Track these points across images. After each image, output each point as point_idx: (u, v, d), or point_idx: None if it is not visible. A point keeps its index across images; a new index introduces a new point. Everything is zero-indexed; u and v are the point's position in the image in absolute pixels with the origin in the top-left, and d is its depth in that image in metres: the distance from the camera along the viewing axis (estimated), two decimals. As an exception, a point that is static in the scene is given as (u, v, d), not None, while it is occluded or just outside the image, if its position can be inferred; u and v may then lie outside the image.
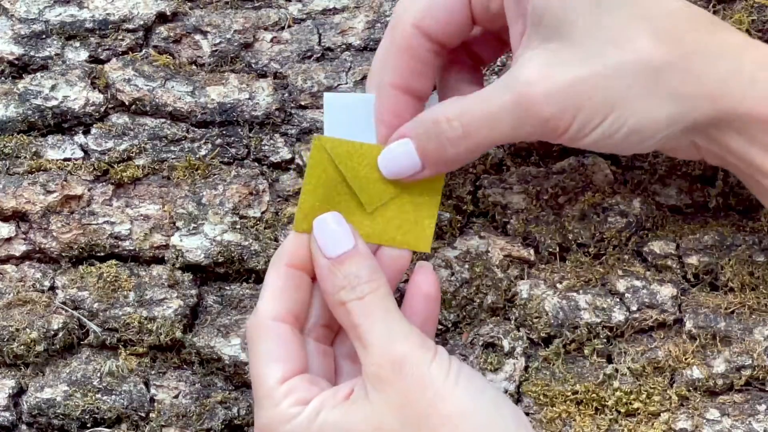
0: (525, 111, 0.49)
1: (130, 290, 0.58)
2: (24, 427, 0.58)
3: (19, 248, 0.59)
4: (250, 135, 0.61)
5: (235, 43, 0.62)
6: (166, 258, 0.59)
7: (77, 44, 0.62)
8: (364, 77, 0.60)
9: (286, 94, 0.61)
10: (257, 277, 0.59)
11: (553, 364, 0.57)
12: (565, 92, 0.49)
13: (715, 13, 0.60)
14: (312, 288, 0.53)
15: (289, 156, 0.61)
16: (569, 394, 0.57)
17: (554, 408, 0.57)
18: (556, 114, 0.49)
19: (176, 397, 0.58)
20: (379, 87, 0.54)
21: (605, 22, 0.49)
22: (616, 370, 0.57)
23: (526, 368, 0.58)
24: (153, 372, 0.58)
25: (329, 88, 0.61)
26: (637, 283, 0.58)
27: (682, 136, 0.51)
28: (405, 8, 0.53)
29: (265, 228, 0.59)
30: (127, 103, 0.61)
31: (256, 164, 0.61)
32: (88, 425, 0.58)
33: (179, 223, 0.59)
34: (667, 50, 0.49)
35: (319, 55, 0.62)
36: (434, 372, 0.48)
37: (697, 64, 0.49)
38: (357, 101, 0.55)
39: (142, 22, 0.62)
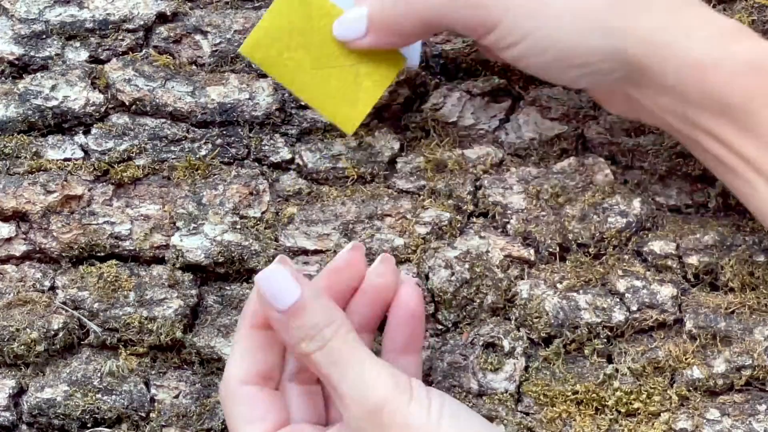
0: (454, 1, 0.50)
1: (130, 290, 0.58)
2: (24, 427, 0.58)
3: (19, 248, 0.59)
4: (250, 135, 0.61)
5: (236, 43, 0.62)
6: (166, 258, 0.59)
7: (77, 44, 0.62)
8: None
9: (286, 94, 0.61)
10: (257, 277, 0.59)
11: (554, 364, 0.57)
12: None
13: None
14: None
15: (289, 156, 0.61)
16: (569, 394, 0.57)
17: (554, 408, 0.57)
18: (484, 4, 0.49)
19: (176, 397, 0.58)
20: None
21: None
22: (617, 370, 0.57)
23: (527, 368, 0.58)
24: (153, 372, 0.58)
25: None
26: (637, 283, 0.58)
27: (614, 80, 0.50)
28: None
29: (265, 228, 0.59)
30: (127, 103, 0.61)
31: (256, 164, 0.61)
32: (89, 425, 0.58)
33: (179, 223, 0.59)
34: None
35: (319, 55, 0.62)
36: (414, 413, 0.46)
37: (639, 7, 0.48)
38: None
39: (142, 22, 0.62)
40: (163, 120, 0.61)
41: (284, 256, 0.51)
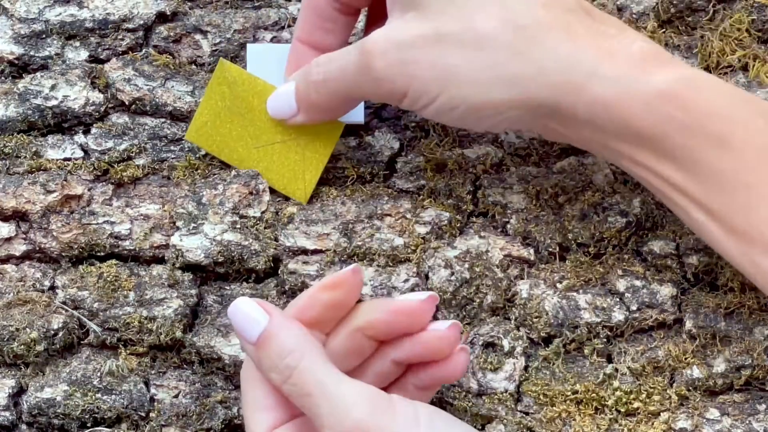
0: (365, 70, 0.51)
1: (130, 290, 0.58)
2: (24, 426, 0.58)
3: (19, 248, 0.59)
4: (250, 135, 0.61)
5: (235, 43, 0.62)
6: (166, 258, 0.59)
7: (77, 44, 0.62)
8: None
9: (286, 94, 0.61)
10: (257, 276, 0.59)
11: (553, 364, 0.57)
12: (397, 55, 0.50)
13: (714, 13, 0.60)
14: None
15: (289, 156, 0.61)
16: (569, 393, 0.57)
17: (554, 408, 0.57)
18: (389, 77, 0.50)
19: (176, 396, 0.58)
20: (292, 41, 0.58)
21: (460, 0, 0.49)
22: (616, 370, 0.57)
23: (526, 368, 0.58)
24: (153, 372, 0.58)
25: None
26: (637, 282, 0.58)
27: (531, 120, 0.51)
28: None
29: (265, 228, 0.59)
30: (127, 103, 0.61)
31: (256, 164, 0.61)
32: (88, 425, 0.58)
33: (179, 223, 0.59)
34: (510, 31, 0.48)
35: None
36: (401, 429, 0.45)
37: (538, 54, 0.48)
38: (277, 51, 0.59)
39: (142, 22, 0.62)
40: (162, 119, 0.61)
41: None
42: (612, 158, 0.52)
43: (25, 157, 0.60)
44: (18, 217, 0.59)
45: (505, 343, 0.57)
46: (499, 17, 0.49)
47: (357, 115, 0.59)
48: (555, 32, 0.49)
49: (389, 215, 0.59)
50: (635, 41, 0.49)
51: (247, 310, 0.49)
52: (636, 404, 0.56)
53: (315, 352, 0.48)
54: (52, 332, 0.57)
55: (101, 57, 0.62)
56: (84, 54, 0.62)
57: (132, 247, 0.59)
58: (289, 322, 0.49)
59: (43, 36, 0.62)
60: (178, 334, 0.58)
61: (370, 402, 0.46)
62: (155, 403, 0.58)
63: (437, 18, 0.49)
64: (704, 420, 0.56)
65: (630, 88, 0.48)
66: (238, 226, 0.58)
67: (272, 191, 0.60)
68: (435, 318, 0.58)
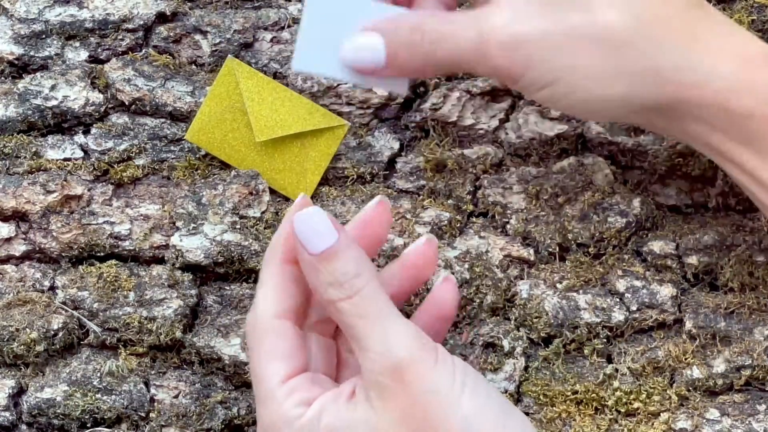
0: (482, 55, 0.50)
1: (130, 290, 0.58)
2: (24, 427, 0.58)
3: (19, 248, 0.59)
4: (250, 135, 0.61)
5: (235, 43, 0.62)
6: (166, 258, 0.59)
7: (77, 44, 0.62)
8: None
9: (286, 94, 0.61)
10: (257, 277, 0.59)
11: (553, 364, 0.57)
12: (517, 46, 0.50)
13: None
14: None
15: (289, 156, 0.61)
16: (569, 394, 0.57)
17: (554, 408, 0.57)
18: (505, 65, 0.50)
19: (176, 397, 0.58)
20: None
21: None
22: (616, 370, 0.57)
23: (526, 368, 0.58)
24: (153, 372, 0.58)
25: (329, 88, 0.61)
26: (637, 283, 0.58)
27: (638, 115, 0.51)
28: None
29: (265, 228, 0.59)
30: (126, 103, 0.61)
31: (256, 164, 0.61)
32: (88, 425, 0.58)
33: (179, 223, 0.59)
34: (630, 26, 0.49)
35: (319, 55, 0.62)
36: (438, 378, 0.46)
37: (657, 50, 0.49)
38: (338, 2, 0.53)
39: (141, 22, 0.62)
40: (162, 120, 0.61)
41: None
42: (716, 160, 0.51)
43: (25, 157, 0.60)
44: (18, 217, 0.59)
45: (505, 344, 0.57)
46: (621, 12, 0.49)
47: (401, 86, 0.55)
48: (675, 30, 0.49)
49: (389, 215, 0.59)
50: (751, 40, 0.50)
51: (318, 222, 0.48)
52: (636, 404, 0.56)
53: (377, 281, 0.48)
54: (52, 332, 0.57)
55: (101, 57, 0.62)
56: (84, 54, 0.62)
57: (132, 248, 0.59)
58: (356, 243, 0.49)
59: (43, 36, 0.62)
60: (178, 334, 0.58)
61: (417, 344, 0.46)
62: (155, 404, 0.58)
63: (559, 10, 0.49)
64: (704, 420, 0.56)
65: (748, 87, 0.48)
66: (238, 226, 0.58)
67: (272, 191, 0.60)
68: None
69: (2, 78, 0.62)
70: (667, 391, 0.56)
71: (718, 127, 0.49)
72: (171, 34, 0.62)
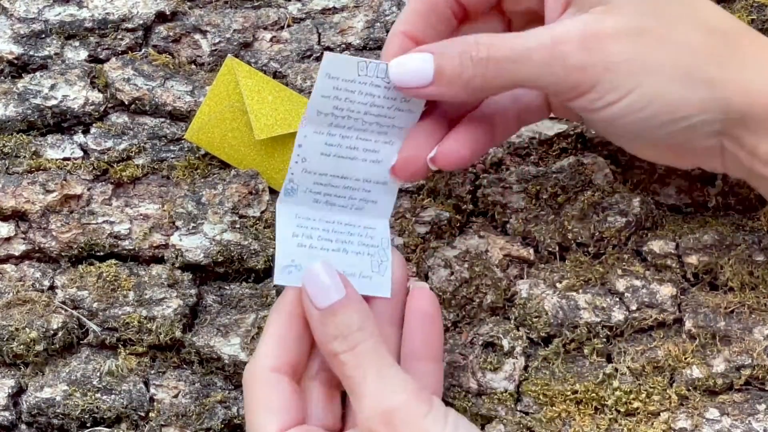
0: (558, 56, 0.48)
1: (129, 290, 0.58)
2: (24, 426, 0.58)
3: (18, 248, 0.59)
4: (250, 134, 0.61)
5: (235, 43, 0.62)
6: (165, 257, 0.59)
7: (77, 43, 0.62)
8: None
9: (286, 94, 0.61)
10: (257, 276, 0.59)
11: (553, 364, 0.57)
12: (597, 45, 0.48)
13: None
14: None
15: (288, 155, 0.61)
16: (569, 393, 0.57)
17: (554, 407, 0.57)
18: (583, 63, 0.48)
19: (176, 396, 0.58)
20: (391, 32, 0.54)
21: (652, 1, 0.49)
22: (616, 370, 0.57)
23: (526, 368, 0.58)
24: (152, 371, 0.58)
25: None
26: (637, 282, 0.58)
27: (713, 134, 0.50)
28: None
29: (264, 227, 0.59)
30: (126, 103, 0.61)
31: (256, 164, 0.61)
32: (88, 425, 0.58)
33: (179, 223, 0.59)
34: (710, 34, 0.49)
35: (318, 54, 0.62)
36: (428, 426, 0.47)
37: (737, 56, 0.49)
38: (350, 62, 0.52)
39: (141, 22, 0.62)
40: (162, 119, 0.61)
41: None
42: None
43: (25, 156, 0.60)
44: (17, 216, 0.59)
45: (505, 343, 0.57)
46: (696, 19, 0.49)
47: (385, 290, 0.55)
48: (749, 39, 0.49)
49: (389, 215, 0.59)
50: None
51: (326, 278, 0.50)
52: (636, 404, 0.56)
53: (378, 336, 0.50)
54: (52, 332, 0.57)
55: (101, 57, 0.62)
56: (83, 54, 0.62)
57: (131, 247, 0.59)
58: (362, 299, 0.51)
59: (43, 36, 0.62)
60: (178, 333, 0.58)
61: (411, 393, 0.48)
62: (155, 403, 0.58)
63: (633, 14, 0.49)
64: (704, 420, 0.56)
65: None
66: (238, 225, 0.59)
67: (272, 191, 0.60)
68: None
69: (2, 77, 0.62)
70: (667, 391, 0.56)
71: None
72: (170, 33, 0.62)
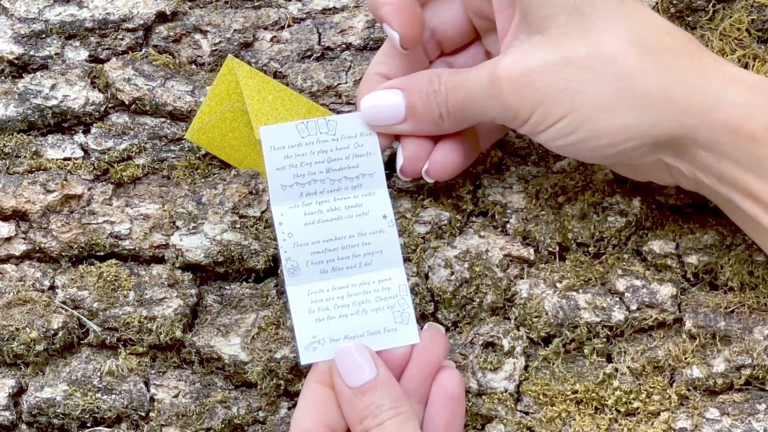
0: (495, 95, 0.51)
1: (130, 290, 0.58)
2: (24, 426, 0.58)
3: (19, 248, 0.59)
4: (250, 134, 0.61)
5: (235, 43, 0.62)
6: (166, 257, 0.59)
7: (77, 43, 0.62)
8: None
9: (286, 94, 0.61)
10: (257, 276, 0.59)
11: (553, 364, 0.57)
12: (527, 82, 0.50)
13: (714, 12, 0.60)
14: None
15: (288, 155, 0.61)
16: (569, 393, 0.57)
17: (554, 407, 0.57)
18: (517, 104, 0.51)
19: (176, 396, 0.58)
20: (366, 74, 0.57)
21: (586, 23, 0.49)
22: (616, 370, 0.57)
23: (526, 367, 0.58)
24: (153, 371, 0.58)
25: (329, 88, 0.61)
26: (637, 282, 0.58)
27: (647, 153, 0.51)
28: None
29: (264, 227, 0.59)
30: (126, 103, 0.61)
31: (256, 164, 0.61)
32: (88, 425, 0.58)
33: (179, 223, 0.59)
34: (640, 57, 0.49)
35: (318, 54, 0.62)
36: None
37: (666, 77, 0.49)
38: (289, 128, 0.56)
39: (141, 22, 0.62)
40: (162, 119, 0.61)
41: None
42: (721, 190, 0.51)
43: (25, 156, 0.60)
44: (18, 216, 0.59)
45: (505, 343, 0.57)
46: (626, 40, 0.49)
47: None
48: (682, 58, 0.49)
49: (389, 215, 0.59)
50: (747, 72, 0.50)
51: (358, 357, 0.52)
52: (636, 404, 0.56)
53: (410, 414, 0.51)
54: (52, 332, 0.57)
55: (101, 57, 0.62)
56: (84, 54, 0.62)
57: (132, 247, 0.59)
58: (392, 378, 0.52)
59: (43, 36, 0.62)
60: (178, 333, 0.58)
61: None
62: (155, 403, 0.58)
63: (563, 41, 0.50)
64: (704, 420, 0.56)
65: (756, 113, 0.48)
66: (238, 225, 0.59)
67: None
68: (436, 319, 0.58)
69: (2, 77, 0.62)
70: (667, 391, 0.57)
71: (728, 154, 0.49)
72: (171, 33, 0.62)
